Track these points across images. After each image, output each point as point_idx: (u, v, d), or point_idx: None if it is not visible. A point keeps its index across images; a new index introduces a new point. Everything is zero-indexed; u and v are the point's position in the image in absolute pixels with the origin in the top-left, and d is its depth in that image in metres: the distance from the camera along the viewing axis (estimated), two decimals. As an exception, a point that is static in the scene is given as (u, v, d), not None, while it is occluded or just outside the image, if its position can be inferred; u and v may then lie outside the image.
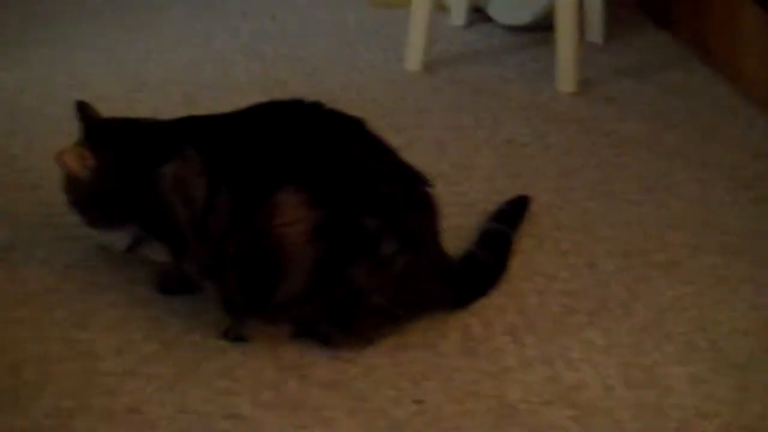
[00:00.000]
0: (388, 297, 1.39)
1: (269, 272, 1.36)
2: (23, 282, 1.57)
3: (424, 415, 1.30)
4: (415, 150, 1.95)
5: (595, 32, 2.61)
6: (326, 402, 1.32)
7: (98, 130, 1.56)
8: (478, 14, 2.81)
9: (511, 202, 1.74)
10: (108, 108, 2.19)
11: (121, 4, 2.97)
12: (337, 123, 1.46)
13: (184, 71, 2.44)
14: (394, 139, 1.79)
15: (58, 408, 1.29)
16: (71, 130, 2.08)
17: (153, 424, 1.27)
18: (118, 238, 1.55)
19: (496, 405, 1.32)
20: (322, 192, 1.34)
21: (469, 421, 1.29)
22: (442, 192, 1.73)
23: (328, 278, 1.35)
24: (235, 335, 1.43)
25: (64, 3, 2.97)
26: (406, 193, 1.42)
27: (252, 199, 1.35)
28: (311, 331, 1.42)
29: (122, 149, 1.49)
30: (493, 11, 2.77)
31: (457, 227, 1.67)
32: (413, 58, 2.43)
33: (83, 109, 1.61)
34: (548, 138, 2.08)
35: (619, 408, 1.31)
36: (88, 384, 1.34)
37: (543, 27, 2.70)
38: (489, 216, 1.70)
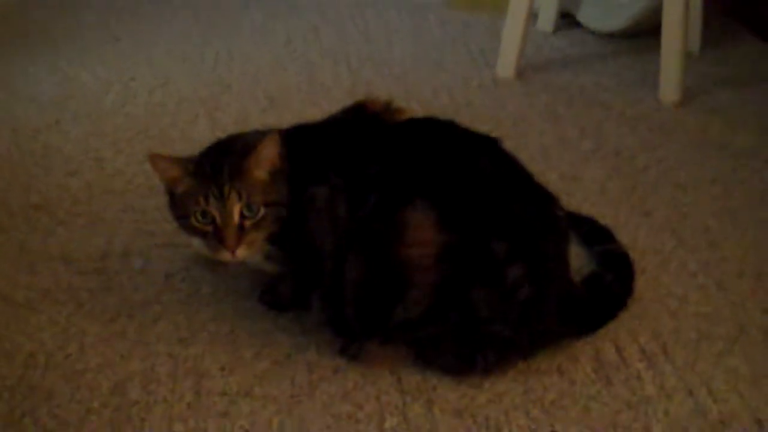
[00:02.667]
0: (511, 326, 1.28)
1: (388, 292, 1.26)
2: (121, 292, 1.49)
3: (566, 449, 1.20)
4: (520, 159, 1.85)
5: (692, 41, 2.49)
6: (456, 431, 1.22)
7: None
8: (567, 19, 2.71)
9: (585, 221, 1.64)
10: (195, 109, 2.13)
11: (198, 3, 2.90)
12: (472, 141, 1.36)
13: (267, 73, 2.35)
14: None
15: None
16: (155, 132, 2.03)
17: (274, 452, 1.19)
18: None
19: (642, 439, 1.21)
20: (452, 213, 1.24)
21: (615, 457, 1.19)
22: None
23: (448, 303, 1.25)
24: (353, 353, 1.33)
25: (140, 2, 2.91)
26: (538, 217, 1.31)
27: (380, 216, 1.25)
28: (431, 357, 1.32)
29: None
30: (583, 17, 2.67)
31: (575, 242, 1.57)
32: (506, 64, 2.33)
33: None
34: (658, 150, 1.97)
35: (777, 446, 1.21)
36: (199, 405, 1.25)
37: (634, 34, 2.60)
38: (586, 239, 1.60)
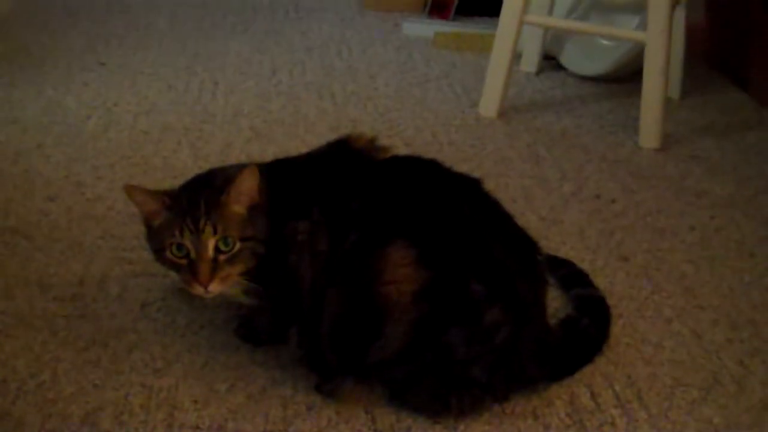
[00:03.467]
0: (487, 369, 1.28)
1: (366, 328, 1.26)
2: (97, 319, 1.48)
3: (538, 494, 1.20)
4: (501, 200, 1.86)
5: (673, 88, 2.52)
6: (429, 472, 1.22)
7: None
8: (550, 62, 2.74)
9: (563, 264, 1.65)
10: (178, 138, 2.13)
11: (184, 32, 2.91)
12: (454, 182, 1.37)
13: (251, 104, 2.36)
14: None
15: (140, 463, 1.20)
16: (137, 159, 2.03)
17: (245, 488, 1.18)
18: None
19: (615, 487, 1.22)
20: (432, 252, 1.25)
21: (587, 504, 1.19)
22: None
23: (425, 342, 1.25)
24: (328, 390, 1.32)
25: (127, 28, 2.92)
26: (517, 260, 1.32)
27: (360, 252, 1.26)
28: (405, 398, 1.31)
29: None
30: (565, 60, 2.70)
31: (552, 285, 1.58)
32: (489, 104, 2.35)
33: None
34: (637, 195, 1.98)
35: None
36: (171, 438, 1.24)
37: (615, 78, 2.63)
38: (564, 282, 1.60)
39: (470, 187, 1.37)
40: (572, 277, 1.61)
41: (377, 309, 1.24)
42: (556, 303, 1.54)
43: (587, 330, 1.46)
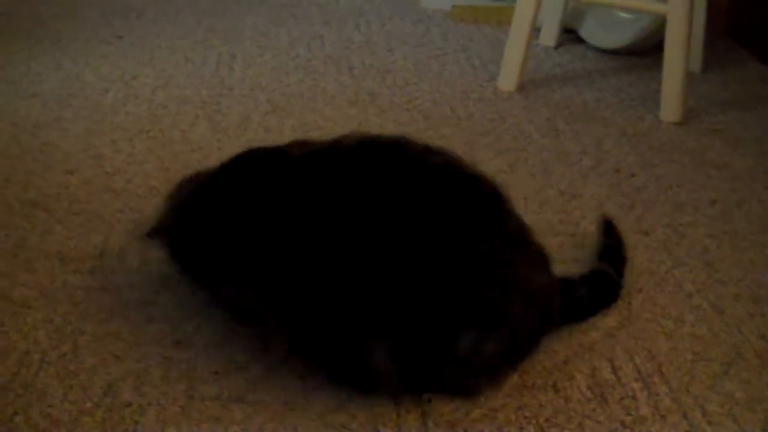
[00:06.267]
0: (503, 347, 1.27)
1: None
2: (117, 292, 1.48)
3: (558, 467, 1.20)
4: (519, 174, 1.86)
5: (693, 61, 2.50)
6: (450, 445, 1.22)
7: None
8: (569, 35, 2.72)
9: (607, 233, 1.61)
10: (196, 111, 2.13)
11: (201, 5, 2.91)
12: (469, 195, 1.24)
13: (269, 77, 2.35)
14: (496, 161, 1.68)
15: (162, 434, 1.20)
16: (156, 133, 2.03)
17: (266, 459, 1.18)
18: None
19: (636, 460, 1.21)
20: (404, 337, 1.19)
21: (607, 477, 1.18)
22: (552, 221, 1.64)
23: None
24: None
25: (144, 1, 2.92)
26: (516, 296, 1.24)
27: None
28: None
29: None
30: (585, 33, 2.68)
31: (571, 260, 1.58)
32: (508, 78, 2.33)
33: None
34: (657, 169, 1.97)
35: (770, 471, 1.20)
36: (191, 409, 1.25)
37: (636, 51, 2.61)
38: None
39: (488, 201, 1.26)
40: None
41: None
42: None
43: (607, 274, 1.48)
